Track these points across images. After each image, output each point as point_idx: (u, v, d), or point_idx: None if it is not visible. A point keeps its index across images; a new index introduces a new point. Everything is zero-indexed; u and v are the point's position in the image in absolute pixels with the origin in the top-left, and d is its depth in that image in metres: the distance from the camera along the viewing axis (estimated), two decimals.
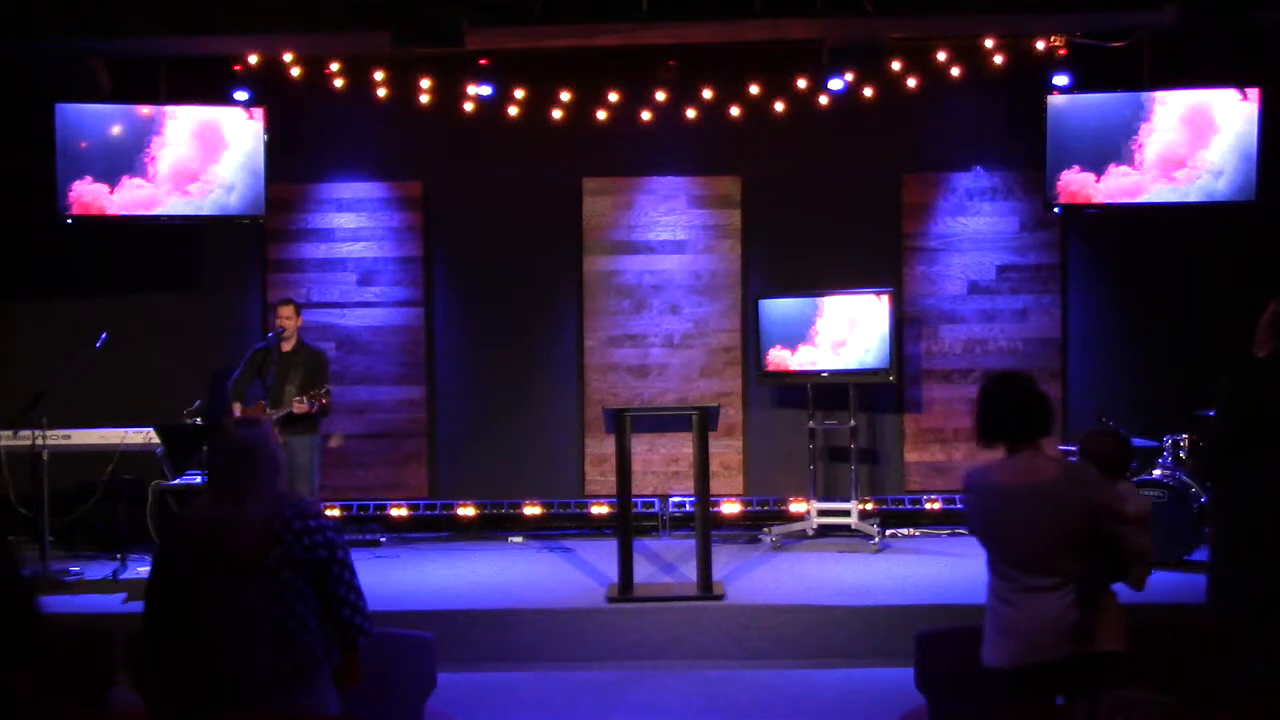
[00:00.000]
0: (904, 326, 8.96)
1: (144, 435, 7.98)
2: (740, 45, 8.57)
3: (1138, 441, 7.29)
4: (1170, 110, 8.24)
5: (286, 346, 8.05)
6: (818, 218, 9.09)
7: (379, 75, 8.88)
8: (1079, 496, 3.67)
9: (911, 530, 8.83)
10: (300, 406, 7.65)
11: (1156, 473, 7.54)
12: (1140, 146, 8.28)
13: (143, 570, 7.79)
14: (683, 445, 8.85)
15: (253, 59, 8.59)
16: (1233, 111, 8.18)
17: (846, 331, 8.59)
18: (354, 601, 3.59)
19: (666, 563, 7.95)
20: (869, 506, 8.83)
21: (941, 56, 8.71)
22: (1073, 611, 3.62)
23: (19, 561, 3.11)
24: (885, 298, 8.58)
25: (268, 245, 9.24)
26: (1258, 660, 4.26)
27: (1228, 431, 4.96)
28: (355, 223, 9.27)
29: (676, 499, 9.13)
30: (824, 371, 8.63)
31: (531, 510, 9.13)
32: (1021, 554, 3.67)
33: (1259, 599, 4.69)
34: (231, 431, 3.63)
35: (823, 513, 8.62)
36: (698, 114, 8.95)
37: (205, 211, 8.56)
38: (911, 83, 8.76)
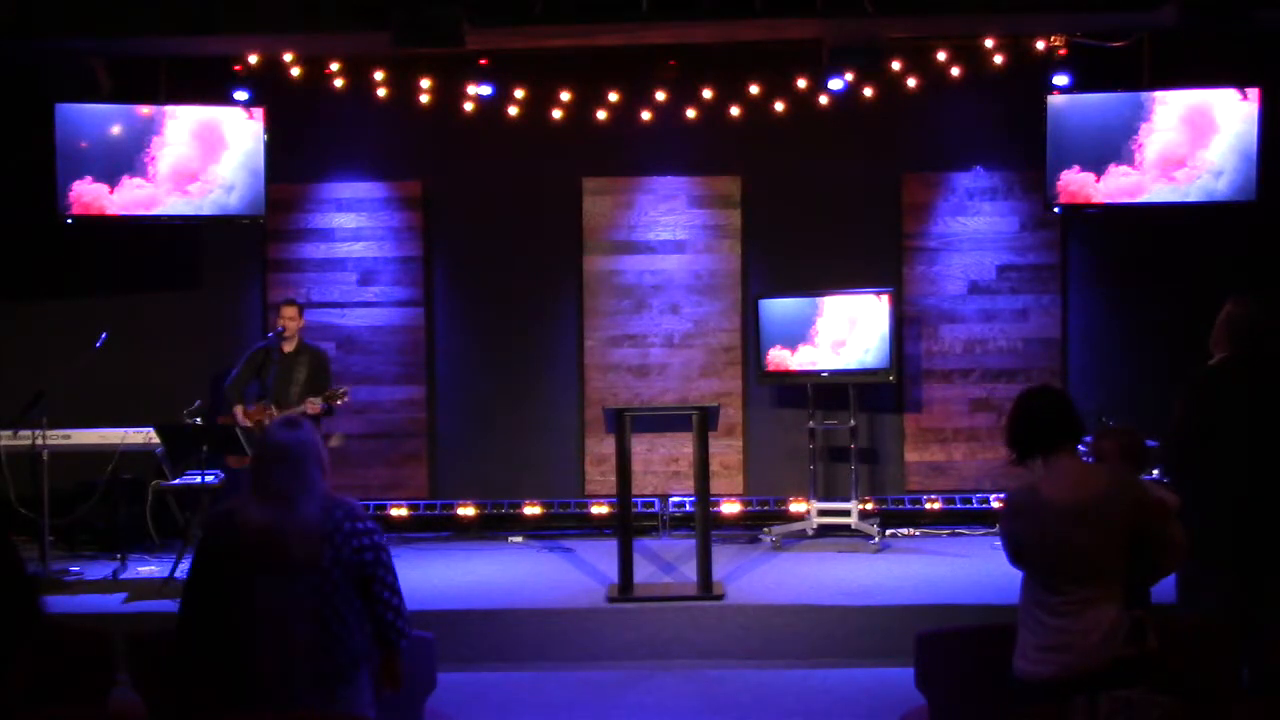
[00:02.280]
0: (904, 326, 8.96)
1: (144, 435, 7.97)
2: (740, 45, 8.57)
3: None
4: (1170, 110, 8.25)
5: (288, 347, 8.05)
6: (818, 218, 9.10)
7: (379, 75, 8.88)
8: (1130, 500, 3.66)
9: (911, 530, 8.83)
10: (314, 407, 7.65)
11: (1155, 473, 7.53)
12: (1140, 146, 8.28)
13: (143, 570, 7.81)
14: (683, 445, 8.85)
15: (253, 59, 8.59)
16: (1233, 111, 8.18)
17: (846, 331, 8.59)
18: (396, 605, 3.64)
19: (666, 563, 7.95)
20: (869, 506, 8.83)
21: (941, 56, 8.71)
22: (1125, 614, 3.61)
23: (21, 557, 3.11)
24: (885, 298, 8.58)
25: (268, 245, 9.24)
26: (1246, 665, 4.27)
27: (1183, 438, 5.00)
28: (355, 223, 9.27)
29: (676, 499, 9.13)
30: (824, 371, 8.64)
31: (531, 510, 9.13)
32: (1080, 568, 3.62)
33: (1225, 601, 4.72)
34: (277, 432, 3.63)
35: (823, 513, 8.62)
36: (698, 114, 8.95)
37: (205, 211, 8.56)
38: (911, 83, 8.76)
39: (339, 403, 7.75)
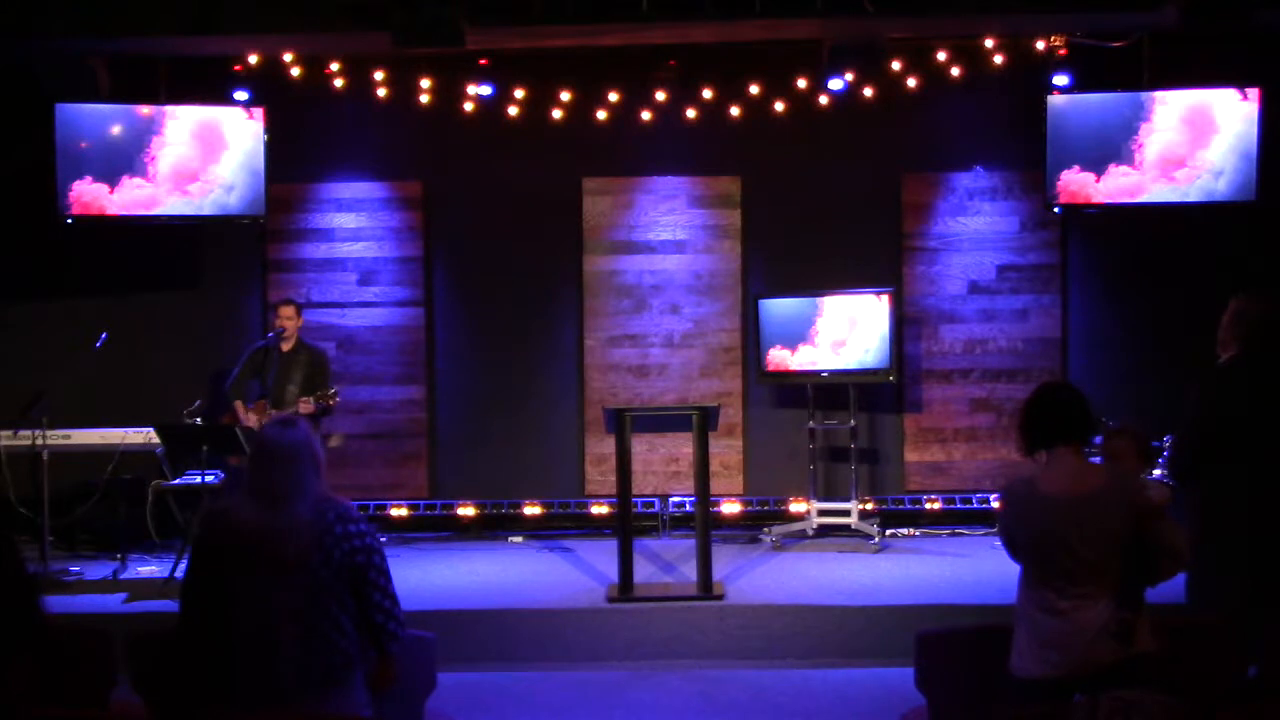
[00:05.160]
0: (904, 326, 8.96)
1: (144, 435, 7.97)
2: (740, 45, 8.57)
3: None
4: (1170, 110, 8.24)
5: (286, 346, 8.05)
6: (818, 218, 9.10)
7: (379, 75, 8.87)
8: (1126, 501, 3.66)
9: (911, 530, 8.83)
10: (306, 407, 7.64)
11: (1156, 473, 7.54)
12: (1140, 146, 8.28)
13: (143, 570, 7.81)
14: (683, 445, 8.85)
15: (253, 59, 8.58)
16: (1233, 111, 8.18)
17: (846, 331, 8.59)
18: (388, 607, 3.62)
19: (666, 563, 7.95)
20: (869, 506, 8.83)
21: (941, 56, 8.71)
22: (1116, 616, 3.61)
23: (21, 557, 3.11)
24: (885, 298, 8.58)
25: (268, 245, 9.24)
26: (1256, 664, 4.26)
27: (1199, 436, 4.99)
28: (355, 223, 9.27)
29: (676, 499, 9.13)
30: (824, 371, 8.64)
31: (531, 510, 9.12)
32: (1072, 564, 3.62)
33: (1235, 599, 4.72)
34: (271, 431, 3.63)
35: (823, 513, 8.62)
36: (698, 114, 8.95)
37: (205, 211, 8.56)
38: (911, 83, 8.76)
39: (331, 404, 7.73)
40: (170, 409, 8.15)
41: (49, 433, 7.76)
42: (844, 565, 7.79)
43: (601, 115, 8.94)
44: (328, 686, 3.50)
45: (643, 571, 7.38)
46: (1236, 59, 8.23)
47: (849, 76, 8.31)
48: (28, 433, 7.78)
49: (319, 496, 3.57)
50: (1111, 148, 8.29)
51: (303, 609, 3.46)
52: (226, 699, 3.48)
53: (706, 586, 6.91)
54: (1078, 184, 8.35)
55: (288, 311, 8.07)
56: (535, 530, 9.09)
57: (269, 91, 8.67)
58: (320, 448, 3.68)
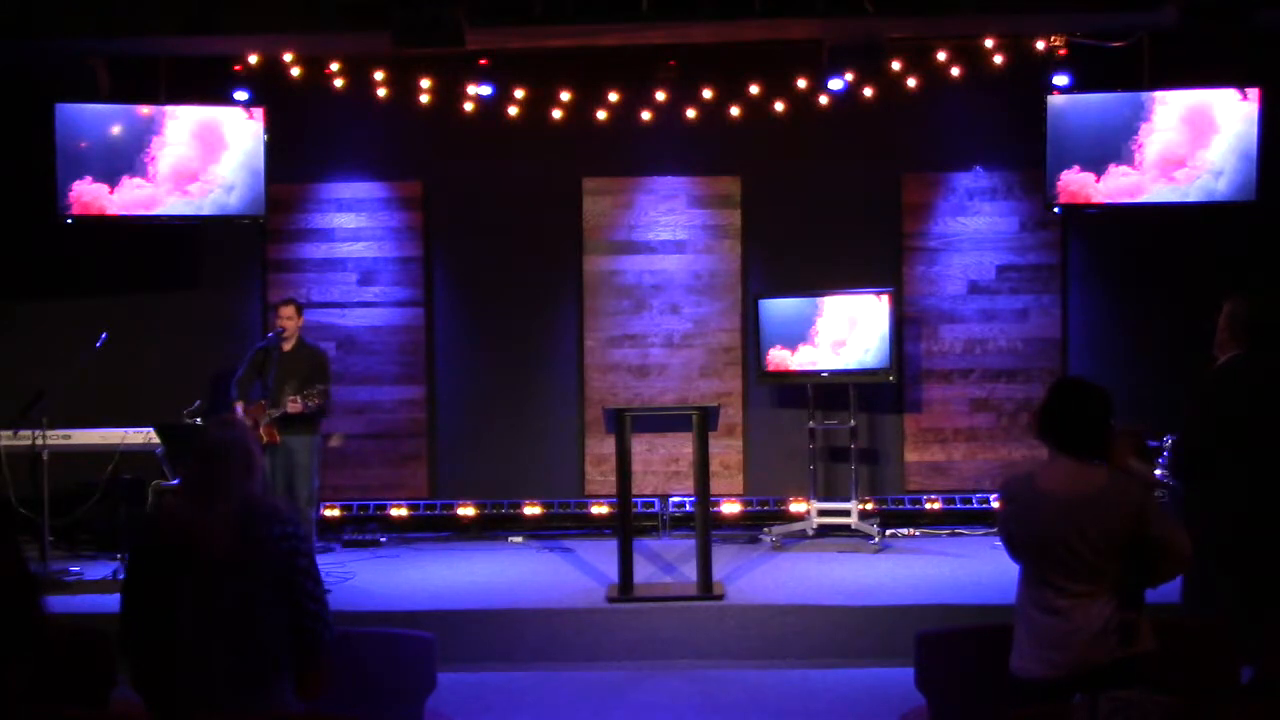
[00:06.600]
0: (904, 326, 8.96)
1: (144, 435, 7.98)
2: (740, 45, 8.57)
3: None
4: (1170, 110, 8.25)
5: (287, 346, 8.04)
6: (818, 218, 9.10)
7: (379, 75, 8.88)
8: (1126, 503, 3.65)
9: (911, 530, 8.83)
10: (294, 406, 7.63)
11: (1157, 472, 7.53)
12: (1140, 146, 8.28)
13: None
14: (683, 445, 8.85)
15: (253, 59, 8.59)
16: (1233, 111, 8.18)
17: (846, 331, 8.59)
18: (315, 610, 3.54)
19: (666, 563, 7.95)
20: (869, 506, 8.83)
21: (941, 56, 8.71)
22: (1117, 615, 3.61)
23: (23, 556, 3.10)
24: (885, 298, 8.58)
25: (268, 245, 9.24)
26: (1251, 666, 4.26)
27: (1196, 437, 5.00)
28: (355, 223, 9.27)
29: (676, 499, 9.13)
30: (824, 371, 8.64)
31: (531, 510, 9.13)
32: (1071, 563, 3.62)
33: (1231, 600, 4.72)
34: (205, 430, 3.62)
35: (823, 513, 8.62)
36: (698, 114, 8.95)
37: (205, 211, 8.56)
38: (911, 83, 8.76)
39: (314, 402, 7.69)
40: (170, 409, 8.14)
41: (49, 433, 7.76)
42: (844, 565, 7.79)
43: (601, 115, 8.94)
44: (256, 688, 3.44)
45: (643, 571, 7.38)
46: (1236, 59, 8.23)
47: (849, 76, 8.31)
48: (28, 433, 7.78)
49: (247, 496, 3.52)
50: (1111, 148, 8.29)
51: (230, 609, 3.41)
52: (163, 700, 3.45)
53: (706, 586, 6.90)
54: (1078, 184, 8.36)
55: (288, 311, 8.07)
56: (535, 530, 9.09)
57: (269, 91, 8.67)
58: (255, 448, 3.62)
